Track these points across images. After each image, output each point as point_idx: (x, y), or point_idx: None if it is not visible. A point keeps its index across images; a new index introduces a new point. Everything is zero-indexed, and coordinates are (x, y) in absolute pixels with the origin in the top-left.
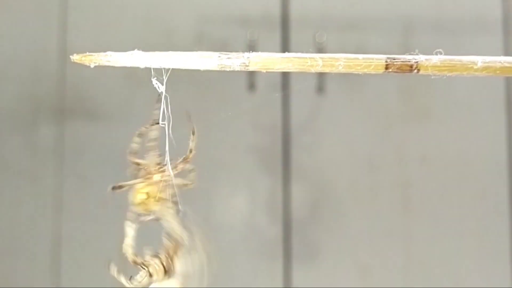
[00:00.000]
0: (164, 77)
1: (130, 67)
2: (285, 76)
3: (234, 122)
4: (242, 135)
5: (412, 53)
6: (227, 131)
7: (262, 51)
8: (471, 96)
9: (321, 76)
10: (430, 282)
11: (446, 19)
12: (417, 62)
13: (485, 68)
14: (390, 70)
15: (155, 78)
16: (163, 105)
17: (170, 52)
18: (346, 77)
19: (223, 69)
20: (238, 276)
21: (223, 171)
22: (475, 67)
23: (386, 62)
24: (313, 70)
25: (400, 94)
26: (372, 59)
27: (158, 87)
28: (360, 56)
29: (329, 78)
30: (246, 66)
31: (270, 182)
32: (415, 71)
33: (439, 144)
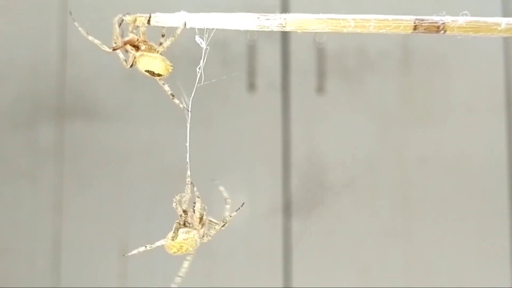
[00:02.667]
0: (205, 36)
1: (130, 68)
2: (285, 76)
3: (234, 122)
4: (242, 135)
5: (439, 14)
6: (227, 131)
7: (262, 51)
8: (471, 96)
9: (321, 76)
10: (430, 282)
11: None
12: (444, 23)
13: (508, 30)
14: (418, 30)
15: (198, 35)
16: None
17: (213, 14)
18: (346, 77)
19: (261, 29)
20: (238, 276)
21: (223, 171)
22: (499, 28)
23: (415, 23)
24: (345, 30)
25: (400, 94)
26: (401, 20)
27: (201, 43)
28: (390, 17)
29: (329, 78)
30: (283, 26)
31: (270, 182)
32: (442, 31)
33: (439, 145)
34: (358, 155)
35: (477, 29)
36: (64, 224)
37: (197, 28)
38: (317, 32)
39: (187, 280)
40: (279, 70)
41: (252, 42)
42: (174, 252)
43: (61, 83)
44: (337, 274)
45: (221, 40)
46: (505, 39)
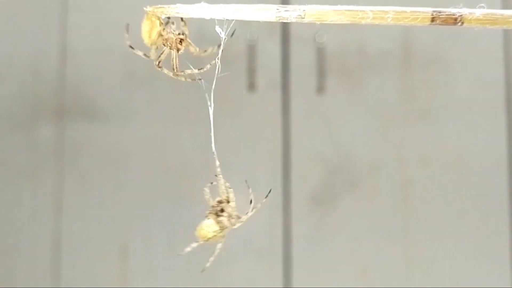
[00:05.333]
0: (225, 27)
1: (130, 66)
2: (285, 76)
3: (234, 122)
4: (242, 135)
5: (456, 6)
6: (227, 131)
7: (262, 51)
8: (471, 96)
9: (321, 76)
10: (430, 282)
11: None
12: (461, 15)
13: None
14: (436, 22)
15: (217, 26)
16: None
17: (233, 5)
18: (346, 77)
19: (280, 20)
20: (238, 276)
21: (223, 171)
22: None
23: (432, 15)
24: (363, 22)
25: (400, 93)
26: (419, 12)
27: (220, 32)
28: (408, 9)
29: (329, 78)
30: (302, 18)
31: (270, 182)
32: (459, 23)
33: (439, 144)
34: (358, 155)
35: (494, 21)
36: (64, 224)
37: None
38: (317, 32)
39: (187, 280)
40: (279, 70)
41: (252, 42)
42: (208, 239)
43: (61, 83)
44: (337, 274)
45: (221, 40)
46: (505, 38)
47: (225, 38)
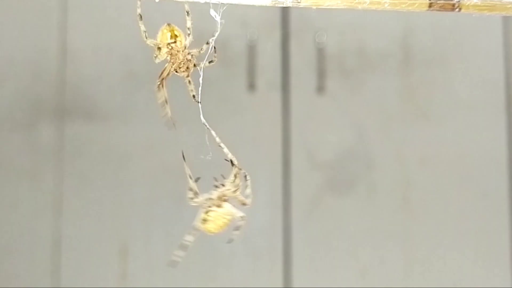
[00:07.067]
0: (219, 11)
1: (130, 66)
2: (285, 76)
3: (234, 122)
4: (242, 135)
5: None
6: (227, 131)
7: (262, 51)
8: (471, 96)
9: (321, 76)
10: (430, 282)
11: (445, 17)
12: (459, 1)
13: None
14: (433, 8)
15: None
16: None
17: None
18: (346, 77)
19: (276, 5)
20: (238, 276)
21: (223, 171)
22: None
23: (430, 0)
24: (360, 7)
25: (400, 93)
26: None
27: (215, 16)
28: None
29: (329, 78)
30: (298, 2)
31: (270, 181)
32: (457, 10)
33: (439, 144)
34: (358, 155)
35: (492, 8)
36: (64, 224)
37: (212, 4)
38: (317, 32)
39: (187, 280)
40: (279, 70)
41: (252, 42)
42: (216, 230)
43: (61, 83)
44: (337, 274)
45: (221, 40)
46: (505, 38)
47: (221, 22)
